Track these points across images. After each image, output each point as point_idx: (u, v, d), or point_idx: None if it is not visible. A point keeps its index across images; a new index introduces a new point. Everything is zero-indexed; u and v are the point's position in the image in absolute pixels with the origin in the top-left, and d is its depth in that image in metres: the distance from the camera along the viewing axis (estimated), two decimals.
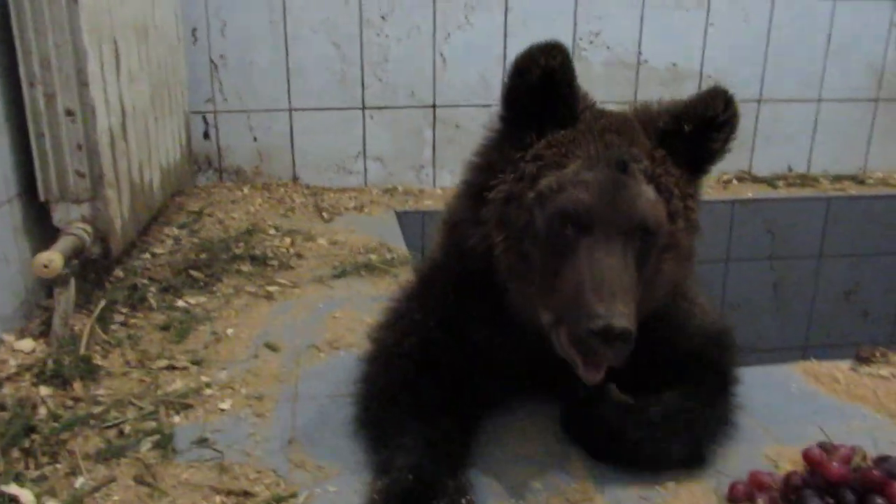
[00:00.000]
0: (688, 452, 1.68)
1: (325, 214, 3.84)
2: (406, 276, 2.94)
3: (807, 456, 1.52)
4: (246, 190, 4.20)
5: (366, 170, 4.34)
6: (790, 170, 4.66)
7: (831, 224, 4.30)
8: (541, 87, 1.55)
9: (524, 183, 1.55)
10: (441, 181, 4.38)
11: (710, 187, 4.40)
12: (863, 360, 2.21)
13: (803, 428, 1.88)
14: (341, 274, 2.99)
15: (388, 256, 3.15)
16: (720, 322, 1.91)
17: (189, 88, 3.96)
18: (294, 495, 1.62)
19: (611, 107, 1.72)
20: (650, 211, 1.50)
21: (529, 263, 1.55)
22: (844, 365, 2.20)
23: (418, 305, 1.84)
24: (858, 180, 4.57)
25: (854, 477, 1.45)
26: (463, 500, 1.47)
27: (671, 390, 1.68)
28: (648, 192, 1.51)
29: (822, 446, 1.62)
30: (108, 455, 1.77)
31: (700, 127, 1.57)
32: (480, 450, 1.75)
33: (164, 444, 1.82)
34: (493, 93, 4.29)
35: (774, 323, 4.41)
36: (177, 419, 1.94)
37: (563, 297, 1.45)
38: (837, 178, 4.58)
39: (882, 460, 1.50)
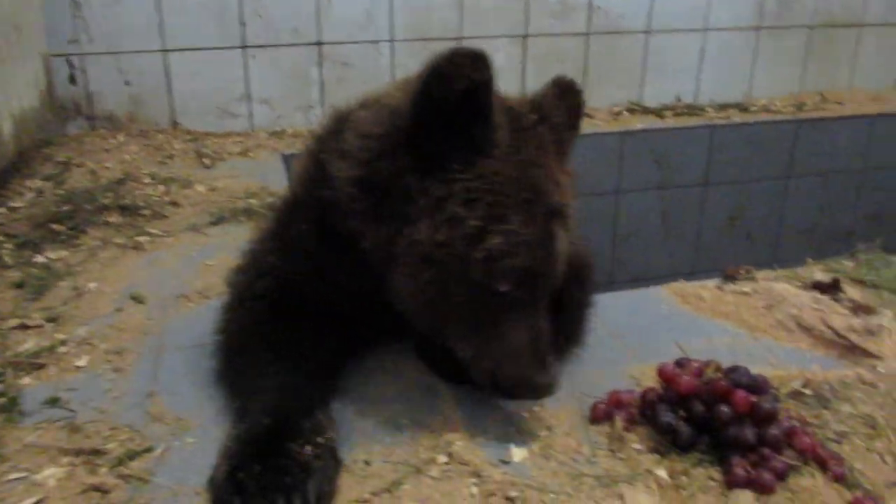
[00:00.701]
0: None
1: (206, 161, 3.66)
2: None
3: (660, 372, 1.55)
4: (121, 138, 3.96)
5: (251, 113, 4.16)
6: (678, 100, 4.75)
7: (716, 152, 4.42)
8: (461, 103, 1.39)
9: (462, 232, 1.42)
10: None
11: (602, 119, 4.45)
12: (729, 277, 2.28)
13: (667, 346, 1.93)
14: (218, 221, 2.86)
15: (269, 200, 3.03)
16: (581, 257, 1.92)
17: (47, 28, 3.65)
18: (149, 450, 1.54)
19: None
20: (564, 260, 1.53)
21: (453, 307, 1.49)
22: (712, 284, 2.27)
23: (273, 247, 1.76)
24: (742, 108, 4.70)
25: (703, 389, 1.49)
26: (320, 439, 1.43)
27: None
28: (566, 240, 1.51)
29: (678, 363, 1.66)
30: None
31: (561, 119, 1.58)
32: (346, 390, 1.71)
33: (9, 407, 1.70)
34: (381, 30, 4.16)
35: (664, 251, 4.55)
36: (26, 380, 1.82)
37: (497, 353, 1.48)
38: (723, 107, 4.70)
39: (730, 371, 1.54)
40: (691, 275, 4.64)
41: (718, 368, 1.58)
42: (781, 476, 1.37)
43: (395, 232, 1.49)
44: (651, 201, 4.41)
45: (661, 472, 1.42)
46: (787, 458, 1.39)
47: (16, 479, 1.46)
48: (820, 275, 2.27)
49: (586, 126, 4.32)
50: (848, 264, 2.37)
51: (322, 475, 1.38)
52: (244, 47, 4.03)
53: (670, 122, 4.46)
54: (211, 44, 3.98)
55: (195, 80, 4.02)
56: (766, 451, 1.39)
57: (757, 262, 4.72)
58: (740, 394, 1.44)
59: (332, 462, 1.43)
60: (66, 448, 1.56)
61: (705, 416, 1.47)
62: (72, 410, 1.69)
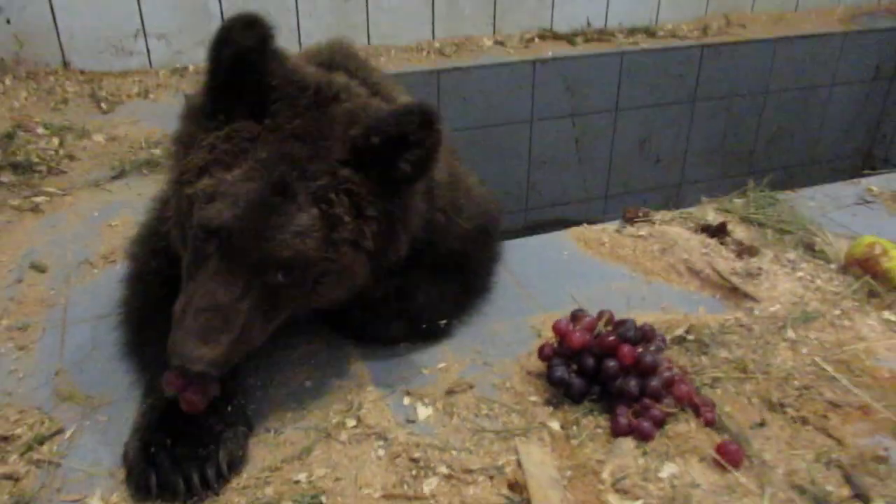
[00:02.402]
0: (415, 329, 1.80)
1: (103, 105, 3.49)
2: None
3: (555, 328, 1.65)
4: (7, 81, 3.71)
5: (148, 49, 3.95)
6: (589, 24, 4.75)
7: (625, 77, 4.49)
8: (233, 67, 1.39)
9: (191, 173, 1.43)
10: None
11: (513, 47, 4.43)
12: (628, 220, 2.38)
13: (569, 294, 2.03)
14: (120, 174, 2.77)
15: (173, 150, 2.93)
16: (486, 211, 1.98)
17: None
18: (60, 431, 1.56)
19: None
20: (293, 246, 1.37)
21: (185, 251, 1.47)
22: (612, 227, 2.37)
23: (160, 229, 1.74)
24: (650, 32, 4.75)
25: (594, 343, 1.60)
26: (229, 408, 1.48)
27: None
28: (302, 220, 1.37)
29: (574, 315, 1.76)
30: None
31: (392, 143, 1.41)
32: (254, 358, 1.74)
33: None
34: None
35: (578, 176, 4.66)
36: None
37: (176, 308, 1.39)
38: (631, 32, 4.73)
39: (619, 325, 1.65)
40: (604, 194, 4.82)
41: (609, 321, 1.69)
42: (660, 424, 1.51)
43: None
44: (564, 128, 4.47)
45: (554, 424, 1.54)
46: (666, 406, 1.52)
47: None
48: (712, 216, 2.39)
49: (500, 54, 4.33)
50: (738, 203, 2.50)
51: (233, 444, 1.45)
52: None
53: (581, 48, 4.47)
54: None
55: (83, 14, 3.77)
56: (648, 401, 1.52)
57: (665, 182, 4.92)
58: (626, 348, 1.55)
59: (242, 430, 1.49)
60: None
61: (596, 369, 1.58)
62: None
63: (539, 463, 1.42)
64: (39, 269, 2.18)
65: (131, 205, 2.54)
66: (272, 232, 1.36)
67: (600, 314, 1.74)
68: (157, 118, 3.32)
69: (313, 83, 1.49)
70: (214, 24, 3.92)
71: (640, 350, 1.57)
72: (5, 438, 1.54)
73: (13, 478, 1.44)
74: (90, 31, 3.81)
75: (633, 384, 1.54)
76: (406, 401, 1.63)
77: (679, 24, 4.89)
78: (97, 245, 2.29)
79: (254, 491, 1.39)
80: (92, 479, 1.45)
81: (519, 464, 1.42)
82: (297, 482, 1.40)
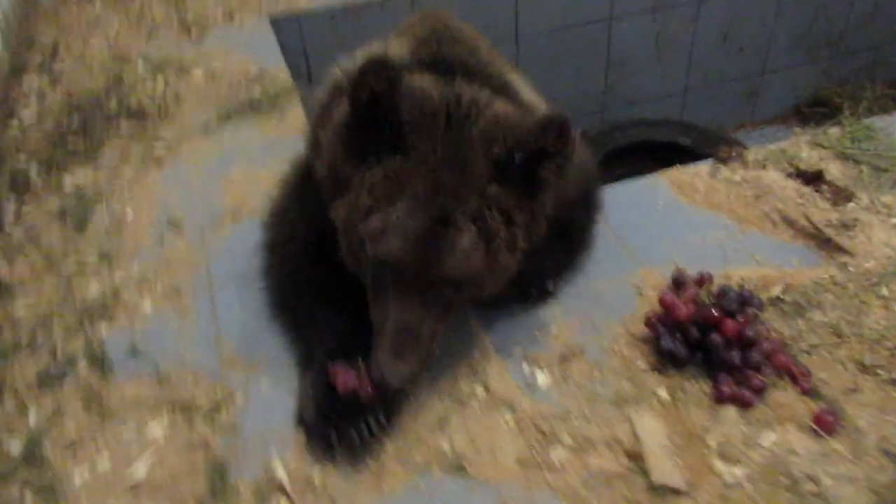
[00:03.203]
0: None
1: (192, 31, 3.58)
2: (292, 112, 2.92)
3: (661, 301, 1.80)
4: (98, 6, 3.82)
5: None
6: None
7: None
8: (371, 109, 1.53)
9: (358, 214, 1.59)
10: None
11: None
12: (722, 160, 2.44)
13: (666, 247, 2.15)
14: (226, 118, 2.92)
15: (272, 91, 3.06)
16: (588, 181, 2.07)
17: None
18: (231, 396, 1.83)
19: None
20: (460, 267, 1.54)
21: (365, 277, 1.66)
22: (706, 169, 2.43)
23: (299, 210, 1.92)
24: None
25: (698, 316, 1.75)
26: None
27: None
28: (464, 242, 1.53)
29: (676, 282, 1.91)
30: (49, 383, 1.92)
31: (532, 155, 1.56)
32: None
33: (100, 360, 1.96)
34: None
35: (656, 74, 4.58)
36: (103, 330, 2.06)
37: (375, 327, 1.60)
38: None
39: (721, 296, 1.79)
40: (683, 91, 4.74)
41: (711, 283, 1.83)
42: (760, 392, 1.68)
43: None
44: (644, 24, 4.35)
45: (662, 392, 1.73)
46: (765, 376, 1.69)
47: (129, 436, 1.77)
48: (806, 152, 2.42)
49: None
50: (834, 135, 2.51)
51: (388, 405, 1.70)
52: None
53: None
54: None
55: None
56: (749, 371, 1.69)
57: (747, 72, 4.79)
58: (729, 323, 1.71)
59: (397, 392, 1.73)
60: (161, 400, 1.85)
61: (699, 339, 1.75)
62: (153, 360, 1.95)
63: (652, 432, 1.62)
64: (176, 226, 2.40)
65: (244, 154, 2.71)
66: (441, 257, 1.54)
67: (700, 280, 1.88)
68: (247, 48, 3.41)
69: (441, 104, 1.61)
70: None
71: (742, 323, 1.72)
72: (188, 404, 1.83)
73: (206, 444, 1.73)
74: None
75: (735, 355, 1.70)
76: (525, 366, 1.84)
77: None
78: (222, 201, 2.49)
79: (406, 457, 1.65)
80: (268, 443, 1.72)
81: (634, 432, 1.63)
82: (441, 451, 1.65)
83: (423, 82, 1.67)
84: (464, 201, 1.55)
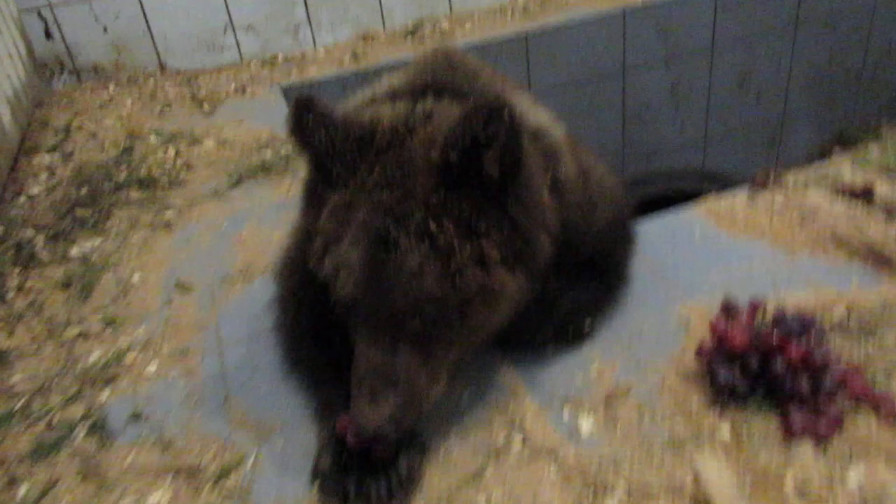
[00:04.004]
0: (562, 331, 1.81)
1: (205, 106, 3.57)
2: (304, 173, 2.83)
3: (713, 328, 1.61)
4: (111, 89, 3.85)
5: (238, 42, 4.00)
6: None
7: (721, 12, 4.26)
8: (302, 148, 1.46)
9: (316, 261, 1.48)
10: (322, 40, 4.09)
11: None
12: (758, 185, 2.29)
13: (709, 278, 1.98)
14: (238, 181, 2.85)
15: (283, 152, 2.99)
16: (619, 209, 1.93)
17: None
18: (242, 461, 1.66)
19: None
20: (415, 290, 1.36)
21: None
22: (743, 196, 2.28)
23: (304, 260, 1.79)
24: None
25: (756, 342, 1.56)
26: None
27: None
28: (412, 263, 1.35)
29: (727, 309, 1.73)
30: (43, 452, 1.75)
31: (469, 153, 1.35)
32: None
33: (99, 427, 1.80)
34: None
35: (674, 124, 4.50)
36: (104, 395, 1.91)
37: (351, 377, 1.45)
38: None
39: (778, 319, 1.61)
40: (703, 140, 4.64)
41: (765, 314, 1.64)
42: (837, 423, 1.47)
43: None
44: (658, 75, 4.30)
45: (724, 430, 1.52)
46: (841, 404, 1.48)
47: None
48: (849, 173, 2.27)
49: (586, 5, 4.17)
50: (875, 152, 2.36)
51: (411, 458, 1.52)
52: None
53: None
54: None
55: (174, 15, 3.84)
56: (822, 399, 1.48)
57: (767, 119, 4.69)
58: (792, 346, 1.51)
59: (418, 447, 1.55)
60: (164, 467, 1.67)
61: (760, 369, 1.55)
62: (157, 424, 1.79)
63: (718, 475, 1.41)
64: (185, 288, 2.28)
65: (255, 214, 2.62)
66: (389, 286, 1.37)
67: (754, 305, 1.69)
68: (259, 116, 3.39)
69: (388, 125, 1.47)
70: (299, 11, 3.98)
71: (807, 346, 1.53)
72: (195, 470, 1.65)
73: None
74: (182, 31, 3.88)
75: (804, 383, 1.50)
76: (566, 412, 1.65)
77: None
78: (233, 261, 2.38)
79: None
80: None
81: (697, 477, 1.42)
82: None
83: (384, 109, 1.54)
84: (405, 218, 1.37)
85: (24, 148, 3.26)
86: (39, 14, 3.69)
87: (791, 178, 2.30)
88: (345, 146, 1.45)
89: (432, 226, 1.37)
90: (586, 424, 1.60)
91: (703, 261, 2.06)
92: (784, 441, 1.49)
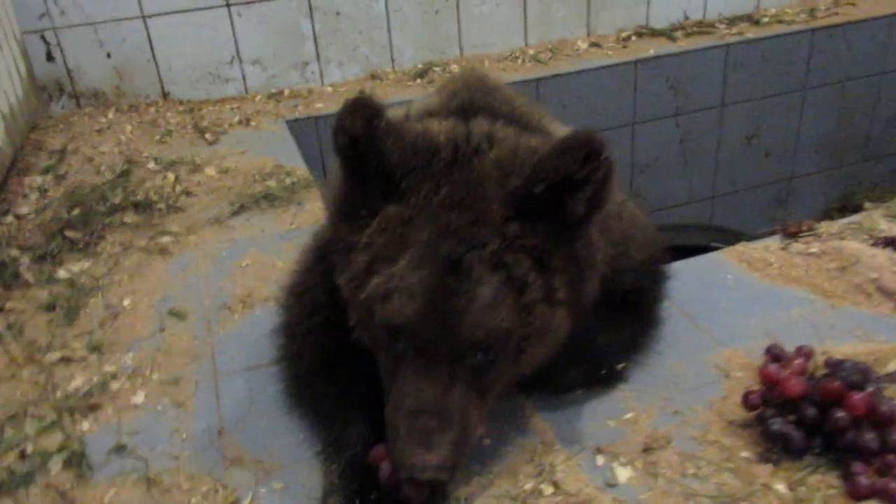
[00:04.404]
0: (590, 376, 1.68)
1: (207, 135, 3.46)
2: (310, 204, 2.71)
3: (764, 375, 1.48)
4: (111, 115, 3.73)
5: (244, 75, 3.92)
6: (686, 17, 4.52)
7: (731, 71, 4.25)
8: (353, 157, 1.30)
9: (358, 276, 1.33)
10: (329, 77, 4.02)
11: (610, 48, 4.24)
12: (791, 235, 2.18)
13: (746, 325, 1.86)
14: (239, 210, 2.71)
15: (288, 181, 2.87)
16: (655, 246, 1.82)
17: (14, 4, 3.37)
18: (236, 502, 1.48)
19: None
20: (483, 324, 1.24)
21: (377, 354, 1.40)
22: (775, 244, 2.17)
23: (319, 281, 1.64)
24: (753, 20, 4.49)
25: (813, 390, 1.43)
26: None
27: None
28: (485, 293, 1.24)
29: (772, 354, 1.59)
30: (12, 486, 1.56)
31: (558, 187, 1.25)
32: None
33: (77, 460, 1.62)
34: None
35: (683, 178, 4.44)
36: (85, 425, 1.73)
37: (388, 415, 1.30)
38: (733, 21, 4.48)
39: (836, 366, 1.47)
40: (711, 199, 4.58)
41: (818, 366, 1.51)
42: None
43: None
44: (667, 129, 4.26)
45: (780, 486, 1.37)
46: None
47: None
48: (884, 222, 2.18)
49: (597, 56, 4.14)
50: None
51: None
52: (228, 5, 3.75)
53: (682, 44, 4.25)
54: (192, 4, 3.70)
55: (180, 45, 3.76)
56: (891, 457, 1.34)
57: (776, 177, 4.65)
58: (855, 396, 1.38)
59: (440, 494, 1.38)
60: None
61: (818, 420, 1.41)
62: (142, 459, 1.61)
63: None
64: (179, 316, 2.12)
65: (257, 242, 2.48)
66: (458, 315, 1.24)
67: (804, 352, 1.56)
68: (263, 147, 3.27)
69: (448, 142, 1.37)
70: (308, 47, 3.91)
71: (872, 397, 1.39)
72: None
73: None
74: (187, 61, 3.80)
75: (870, 438, 1.36)
76: (599, 460, 1.49)
77: (783, 9, 4.61)
78: (232, 288, 2.23)
79: None
80: None
81: None
82: None
83: (434, 125, 1.44)
84: (479, 244, 1.26)
85: (17, 169, 3.12)
86: (43, 37, 3.60)
87: (824, 228, 2.20)
88: (411, 158, 1.33)
89: (508, 257, 1.28)
90: (622, 474, 1.45)
91: (739, 307, 1.93)
92: (847, 501, 1.33)
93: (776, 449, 1.44)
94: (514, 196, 1.30)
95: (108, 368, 1.91)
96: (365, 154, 1.29)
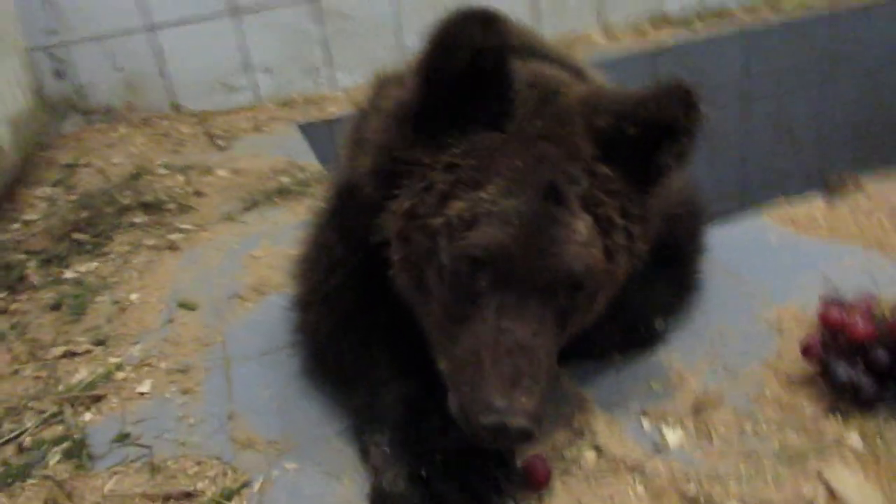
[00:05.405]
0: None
1: (219, 142, 3.39)
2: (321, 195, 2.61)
3: (826, 319, 1.33)
4: (122, 129, 3.68)
5: (255, 83, 3.86)
6: (702, 4, 4.40)
7: (754, 58, 4.12)
8: (470, 72, 1.17)
9: (431, 200, 1.20)
10: (341, 81, 3.95)
11: (627, 37, 4.14)
12: (834, 190, 2.03)
13: (796, 281, 1.70)
14: (252, 206, 2.61)
15: (301, 176, 2.78)
16: (692, 198, 1.70)
17: (21, 21, 3.35)
18: (247, 485, 1.35)
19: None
20: (582, 258, 1.15)
21: (429, 297, 1.24)
22: (818, 201, 2.03)
23: (337, 237, 1.51)
24: (772, 4, 4.36)
25: (882, 332, 1.27)
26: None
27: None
28: (581, 229, 1.16)
29: (831, 300, 1.44)
30: (8, 479, 1.45)
31: (650, 132, 1.19)
32: None
33: (77, 451, 1.50)
34: None
35: (710, 173, 4.28)
36: (88, 416, 1.62)
37: (460, 360, 1.15)
38: (751, 7, 4.36)
39: None
40: (739, 194, 4.41)
41: (886, 311, 1.35)
42: None
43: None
44: None
45: (854, 440, 1.21)
46: None
47: None
48: None
49: (614, 48, 4.05)
50: None
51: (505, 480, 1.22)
52: (235, 13, 3.71)
53: (701, 32, 4.13)
54: (199, 14, 3.66)
55: (190, 56, 3.72)
56: None
57: (806, 169, 4.48)
58: None
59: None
60: (151, 493, 1.36)
61: (891, 365, 1.25)
62: (146, 446, 1.49)
63: (859, 492, 1.10)
64: (189, 307, 2.01)
65: (271, 235, 2.38)
66: (557, 246, 1.13)
67: (869, 296, 1.41)
68: (277, 149, 3.19)
69: (529, 77, 1.28)
70: (319, 52, 3.85)
71: None
72: (188, 495, 1.34)
73: None
74: (197, 72, 3.75)
75: None
76: (645, 424, 1.34)
77: None
78: (245, 278, 2.12)
79: None
80: None
81: (834, 493, 1.10)
82: None
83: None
84: (574, 180, 1.17)
85: (26, 182, 3.06)
86: (51, 53, 3.57)
87: (870, 183, 2.05)
88: (520, 85, 1.24)
89: (600, 196, 1.20)
90: (673, 437, 1.30)
91: (787, 264, 1.79)
92: None
93: (845, 400, 1.28)
94: (602, 135, 1.22)
95: (114, 360, 1.81)
96: (491, 72, 1.18)
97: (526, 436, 1.07)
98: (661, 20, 4.27)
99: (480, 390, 1.07)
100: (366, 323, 1.44)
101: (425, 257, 1.21)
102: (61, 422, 1.60)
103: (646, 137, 1.20)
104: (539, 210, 1.14)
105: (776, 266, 1.78)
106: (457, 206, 1.17)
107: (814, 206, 2.00)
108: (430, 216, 1.19)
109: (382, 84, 1.53)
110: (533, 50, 1.51)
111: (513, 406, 1.05)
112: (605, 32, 4.17)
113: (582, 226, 1.16)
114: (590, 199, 1.19)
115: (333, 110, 3.71)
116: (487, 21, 1.14)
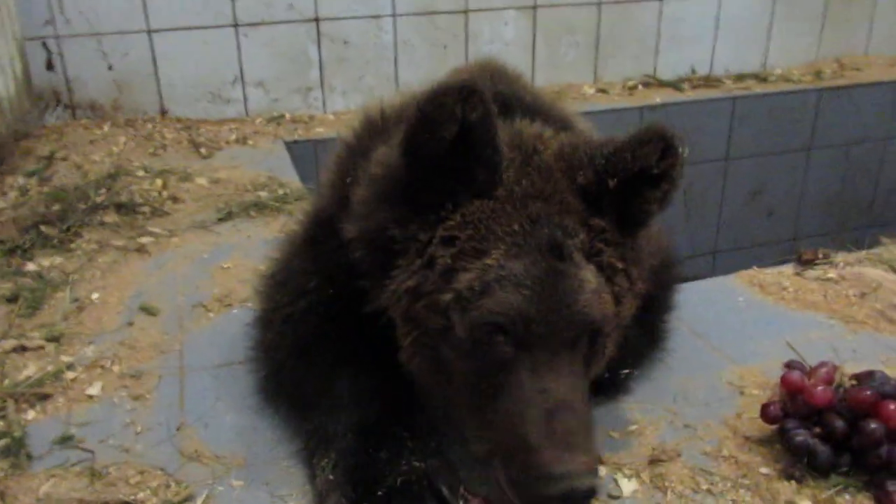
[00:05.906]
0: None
1: (202, 150, 3.37)
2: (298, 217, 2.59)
3: (787, 382, 1.33)
4: (106, 128, 3.64)
5: (245, 97, 3.86)
6: (693, 72, 4.52)
7: (737, 124, 4.21)
8: (455, 145, 1.18)
9: (435, 276, 1.20)
10: (332, 105, 3.96)
11: (617, 94, 4.21)
12: (806, 262, 2.07)
13: (759, 344, 1.72)
14: (227, 216, 2.59)
15: (281, 192, 2.76)
16: (664, 255, 1.71)
17: (20, 9, 3.33)
18: (189, 499, 1.30)
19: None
20: (597, 305, 1.19)
21: (450, 375, 1.24)
22: (789, 270, 2.06)
23: (311, 268, 1.49)
24: (760, 78, 4.49)
25: (841, 400, 1.28)
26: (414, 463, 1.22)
27: None
28: (590, 277, 1.19)
29: (793, 366, 1.45)
30: None
31: (630, 181, 1.23)
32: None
33: (15, 449, 1.45)
34: (382, 3, 3.87)
35: (685, 230, 4.34)
36: (31, 414, 1.56)
37: (501, 433, 1.15)
38: (740, 78, 4.48)
39: (866, 377, 1.33)
40: (713, 255, 4.47)
41: (845, 380, 1.36)
42: None
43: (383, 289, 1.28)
44: None
45: None
46: None
47: None
48: None
49: (603, 101, 4.11)
50: None
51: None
52: (235, 25, 3.72)
53: (689, 94, 4.23)
54: (199, 22, 3.66)
55: (184, 62, 3.71)
56: None
57: (779, 237, 4.56)
58: (890, 406, 1.23)
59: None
60: (88, 499, 1.31)
61: (846, 433, 1.26)
62: (89, 451, 1.44)
63: None
64: (150, 311, 1.97)
65: (242, 247, 2.35)
66: (572, 298, 1.16)
67: (827, 364, 1.42)
68: (259, 163, 3.17)
69: (512, 138, 1.30)
70: (313, 73, 3.86)
71: None
72: None
73: None
74: (189, 79, 3.74)
75: None
76: (602, 471, 1.32)
77: (789, 69, 4.61)
78: (210, 288, 2.08)
79: None
80: None
81: None
82: None
83: None
84: (571, 233, 1.20)
85: (0, 170, 3.01)
86: (44, 44, 3.55)
87: (840, 258, 2.09)
88: (500, 150, 1.23)
89: (598, 245, 1.23)
90: (628, 487, 1.29)
91: (752, 328, 1.80)
92: None
93: (800, 465, 1.28)
94: (585, 190, 1.24)
95: (66, 359, 1.75)
96: (478, 145, 1.18)
97: (593, 492, 1.08)
98: (652, 82, 4.36)
99: (537, 459, 1.08)
100: (327, 349, 1.42)
101: (440, 335, 1.21)
102: (2, 418, 1.54)
103: (627, 186, 1.23)
104: (546, 267, 1.16)
105: (742, 328, 1.80)
106: (465, 278, 1.17)
107: (783, 274, 2.03)
108: (437, 292, 1.19)
109: (372, 126, 1.54)
110: (519, 100, 1.53)
111: (575, 469, 1.06)
112: (598, 87, 4.25)
113: (589, 275, 1.19)
114: (589, 250, 1.21)
115: (321, 131, 3.71)
116: (470, 94, 1.15)
